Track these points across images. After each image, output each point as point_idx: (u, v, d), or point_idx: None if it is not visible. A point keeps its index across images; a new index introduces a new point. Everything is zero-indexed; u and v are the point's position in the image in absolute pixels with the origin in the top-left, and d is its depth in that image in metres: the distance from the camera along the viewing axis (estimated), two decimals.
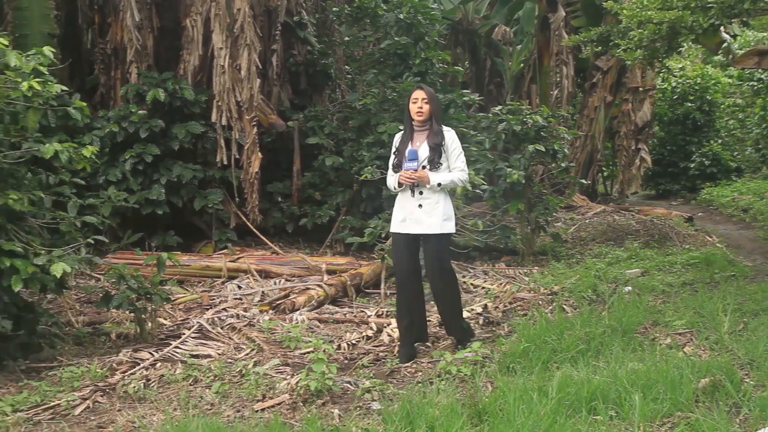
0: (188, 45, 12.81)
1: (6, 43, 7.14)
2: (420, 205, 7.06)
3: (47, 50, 7.27)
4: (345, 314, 9.08)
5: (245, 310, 9.15)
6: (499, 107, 12.88)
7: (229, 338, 8.00)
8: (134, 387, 6.39)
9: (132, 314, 8.09)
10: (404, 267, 7.21)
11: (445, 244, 7.23)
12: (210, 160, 12.76)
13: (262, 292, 10.00)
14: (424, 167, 7.05)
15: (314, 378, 5.96)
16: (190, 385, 6.52)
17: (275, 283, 10.47)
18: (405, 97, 12.88)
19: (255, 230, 12.73)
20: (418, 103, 7.14)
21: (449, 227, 7.15)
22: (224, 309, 9.18)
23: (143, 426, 5.52)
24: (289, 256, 11.89)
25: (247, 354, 7.44)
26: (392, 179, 7.23)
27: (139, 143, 12.14)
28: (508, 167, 11.76)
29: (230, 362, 7.09)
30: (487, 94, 22.34)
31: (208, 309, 9.25)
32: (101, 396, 6.30)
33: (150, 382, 6.60)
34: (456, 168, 7.15)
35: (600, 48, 14.11)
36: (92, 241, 7.81)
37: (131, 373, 6.81)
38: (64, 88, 7.52)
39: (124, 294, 7.74)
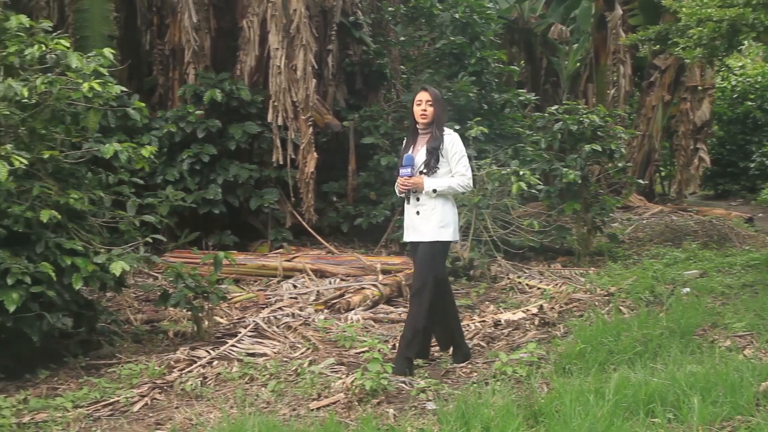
0: (245, 46, 12.90)
1: (67, 44, 7.26)
2: (417, 212, 6.86)
3: (107, 52, 7.37)
4: (400, 314, 9.08)
5: (300, 309, 9.19)
6: (556, 107, 12.79)
7: (285, 337, 8.04)
8: (191, 385, 6.46)
9: (189, 312, 8.17)
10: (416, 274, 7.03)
11: (436, 253, 6.82)
12: (266, 160, 12.84)
13: (318, 291, 10.04)
14: (422, 173, 6.79)
15: (369, 377, 5.97)
16: (246, 383, 6.56)
17: (330, 283, 10.51)
18: (461, 97, 13.03)
19: (310, 230, 12.78)
20: (422, 105, 6.88)
21: (445, 235, 6.81)
22: (280, 308, 9.23)
23: (200, 423, 5.57)
24: (344, 255, 11.92)
25: (302, 353, 7.48)
26: (396, 186, 7.05)
27: (196, 143, 12.26)
28: (564, 167, 11.67)
29: (286, 361, 7.13)
30: (543, 94, 22.22)
31: (263, 308, 9.31)
32: (159, 393, 6.37)
33: (207, 380, 6.66)
34: (457, 173, 6.84)
35: (658, 46, 13.96)
36: (150, 240, 7.91)
37: (188, 371, 6.88)
38: (124, 89, 7.63)
39: (182, 292, 7.82)
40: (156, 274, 10.40)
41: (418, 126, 6.96)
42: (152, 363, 7.04)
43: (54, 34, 7.62)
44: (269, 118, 12.36)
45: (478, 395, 5.66)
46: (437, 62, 14.10)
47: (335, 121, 13.81)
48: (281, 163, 12.58)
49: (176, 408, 6.00)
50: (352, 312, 9.01)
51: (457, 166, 6.84)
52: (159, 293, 8.09)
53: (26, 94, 6.88)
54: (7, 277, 6.37)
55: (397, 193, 7.05)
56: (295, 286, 10.44)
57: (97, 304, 7.96)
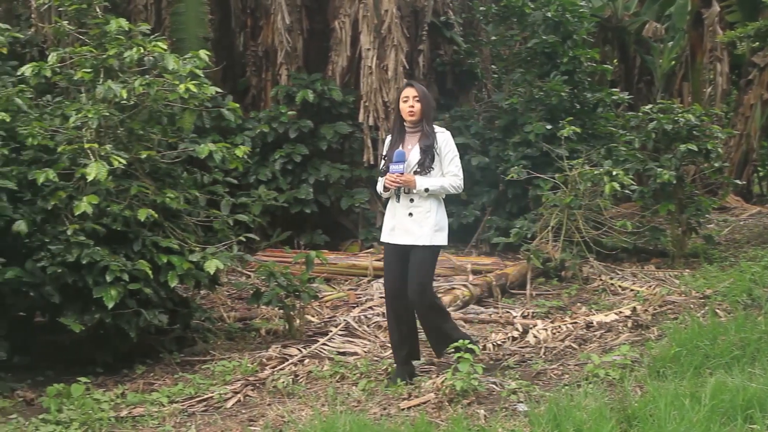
0: (336, 46, 12.99)
1: (164, 47, 7.41)
2: (410, 214, 6.45)
3: (203, 53, 7.51)
4: (490, 314, 9.03)
5: None
6: (650, 106, 12.55)
7: (375, 336, 8.07)
8: (283, 382, 6.53)
9: (281, 311, 8.26)
10: (392, 280, 6.58)
11: (431, 257, 6.52)
12: (357, 160, 12.90)
13: None
14: (416, 172, 6.42)
15: (460, 378, 5.95)
16: (337, 381, 6.60)
17: None
18: (553, 96, 12.91)
19: None
20: (409, 101, 6.48)
21: (440, 239, 6.51)
22: (370, 307, 9.26)
23: (292, 421, 5.63)
24: None
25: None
26: (380, 184, 6.65)
27: (288, 143, 12.39)
28: (658, 167, 11.46)
29: (376, 360, 7.16)
30: (637, 93, 21.83)
31: (354, 307, 9.35)
32: (252, 390, 6.45)
33: (298, 378, 6.73)
34: (449, 173, 6.51)
35: (757, 44, 13.64)
36: (243, 239, 8.03)
37: (280, 369, 6.95)
38: (219, 90, 7.75)
39: (274, 291, 7.90)
40: (249, 273, 10.53)
41: (405, 123, 6.57)
42: (245, 360, 7.13)
43: (152, 36, 7.79)
44: (360, 118, 12.43)
45: (570, 397, 5.59)
46: (529, 61, 13.98)
47: None
48: (372, 163, 12.63)
49: (268, 405, 6.07)
50: None
51: (449, 165, 6.51)
52: (251, 291, 8.20)
53: (125, 95, 7.06)
54: (106, 274, 6.54)
55: (381, 191, 6.64)
56: None
57: (191, 302, 8.11)
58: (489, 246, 12.76)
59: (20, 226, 6.49)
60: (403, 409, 5.82)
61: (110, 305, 6.49)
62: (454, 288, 9.78)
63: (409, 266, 6.47)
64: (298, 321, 8.25)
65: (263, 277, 8.19)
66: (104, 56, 7.34)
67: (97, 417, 5.76)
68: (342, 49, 12.93)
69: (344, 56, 12.94)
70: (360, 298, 9.85)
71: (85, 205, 6.48)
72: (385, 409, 5.88)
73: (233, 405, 6.19)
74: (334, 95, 12.54)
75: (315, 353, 7.42)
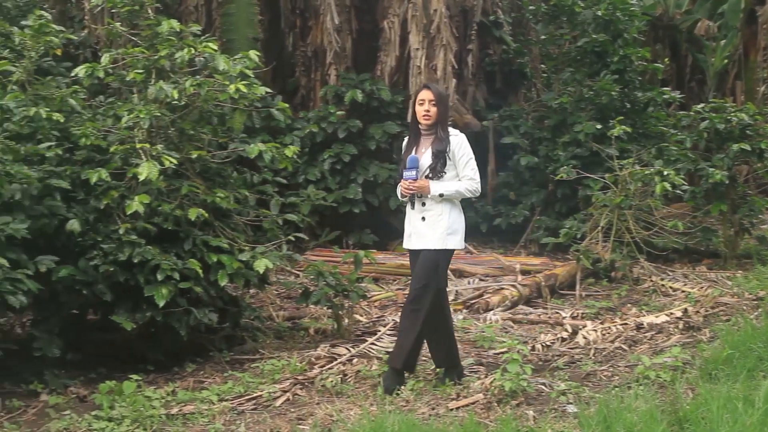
0: (385, 46, 12.99)
1: (215, 47, 7.46)
2: (423, 218, 6.34)
3: (253, 54, 7.55)
4: (539, 315, 9.00)
5: None
6: (702, 105, 12.42)
7: None
8: (332, 381, 6.55)
9: (330, 310, 8.28)
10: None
11: (440, 261, 6.33)
12: None
13: (456, 291, 10.02)
14: (428, 177, 6.31)
15: (509, 378, 5.94)
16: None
17: (469, 283, 10.48)
18: (603, 96, 12.81)
19: None
20: (425, 105, 6.35)
21: (453, 242, 6.34)
22: None
23: (341, 420, 5.64)
24: (483, 255, 11.88)
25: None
26: (398, 189, 6.56)
27: (337, 143, 12.43)
28: (710, 167, 11.33)
29: (424, 360, 7.14)
30: (688, 92, 21.55)
31: (402, 306, 9.35)
32: (300, 389, 6.48)
33: (347, 377, 6.74)
34: (465, 177, 6.37)
35: None
36: (293, 239, 8.06)
37: (329, 368, 6.97)
38: (268, 90, 7.79)
39: (323, 290, 7.93)
40: (297, 272, 10.57)
41: (420, 127, 6.46)
42: (294, 359, 7.17)
43: (202, 37, 7.85)
44: (409, 118, 12.41)
45: (621, 399, 5.55)
46: (578, 61, 13.90)
47: (475, 120, 13.76)
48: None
49: (317, 404, 6.09)
50: (491, 312, 8.97)
51: (464, 169, 6.37)
52: (300, 291, 8.23)
53: (176, 95, 7.12)
54: (157, 273, 6.60)
55: (399, 197, 6.58)
56: None
57: (241, 301, 8.16)
58: (538, 246, 12.71)
59: (73, 225, 6.58)
60: (451, 410, 5.82)
61: (161, 304, 6.56)
62: (503, 288, 9.76)
63: (421, 271, 6.32)
64: (346, 320, 8.27)
65: (312, 277, 8.22)
66: (156, 57, 7.41)
67: (148, 414, 5.82)
68: (391, 48, 12.93)
69: (393, 56, 12.93)
70: None
71: (136, 204, 6.55)
72: (433, 409, 5.88)
73: (282, 403, 6.22)
74: (383, 95, 12.55)
75: (363, 353, 7.44)
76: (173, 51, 7.38)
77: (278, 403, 6.23)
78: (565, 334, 8.00)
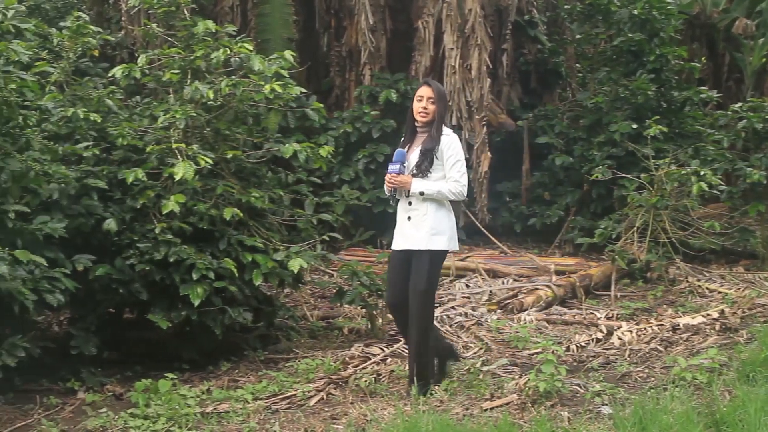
0: (420, 46, 13.00)
1: (250, 48, 7.50)
2: (409, 218, 6.18)
3: (288, 54, 7.59)
4: (574, 316, 8.96)
5: (473, 308, 9.19)
6: (739, 104, 12.31)
7: (458, 336, 8.06)
8: (366, 381, 6.54)
9: (363, 310, 8.29)
10: (392, 289, 6.36)
11: (431, 263, 6.14)
12: None
13: (490, 291, 10.01)
14: (414, 175, 6.14)
15: (543, 379, 5.91)
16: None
17: (503, 283, 10.46)
18: (639, 95, 12.72)
19: (483, 229, 12.75)
20: (423, 102, 6.17)
21: (437, 243, 6.12)
22: (452, 307, 9.25)
23: (375, 419, 5.64)
24: (518, 255, 11.84)
25: (475, 352, 7.47)
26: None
27: (371, 143, 12.44)
28: (748, 167, 11.23)
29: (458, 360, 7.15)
30: (726, 91, 21.34)
31: (436, 307, 9.32)
32: (334, 388, 6.49)
33: (380, 377, 6.74)
34: (450, 178, 6.14)
35: None
36: (327, 238, 8.09)
37: (363, 368, 6.98)
38: (303, 90, 7.82)
39: (357, 290, 7.94)
40: (332, 272, 10.59)
41: (416, 124, 6.28)
42: (328, 359, 7.17)
43: (238, 38, 7.89)
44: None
45: (656, 401, 5.51)
46: (614, 60, 13.82)
47: (509, 120, 13.74)
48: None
49: (351, 403, 6.10)
50: (525, 313, 8.93)
51: (451, 170, 6.14)
52: (334, 290, 8.26)
53: (212, 96, 7.16)
54: (192, 272, 6.64)
55: (386, 192, 6.39)
56: (467, 286, 10.43)
57: (275, 300, 8.19)
58: (573, 246, 12.65)
59: (110, 224, 6.64)
60: (485, 410, 5.80)
61: (196, 303, 6.59)
62: (537, 288, 9.73)
63: (411, 274, 6.16)
64: (380, 320, 8.28)
65: (346, 276, 8.24)
66: (192, 58, 7.46)
67: (183, 412, 5.85)
68: (425, 48, 12.94)
69: (427, 56, 12.94)
70: (442, 297, 9.83)
71: (172, 204, 6.60)
72: (467, 409, 5.87)
73: (316, 403, 6.24)
74: None
75: (397, 352, 7.44)
76: (209, 51, 7.42)
77: (312, 402, 6.24)
78: (599, 335, 7.97)
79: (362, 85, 12.96)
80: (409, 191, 6.13)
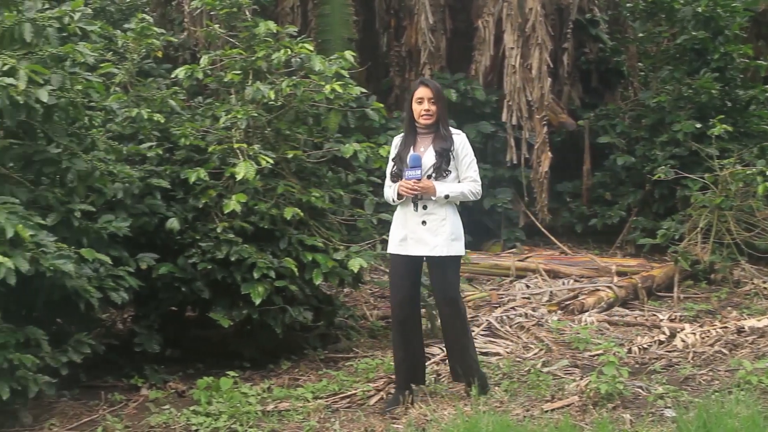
0: (480, 46, 12.96)
1: (311, 48, 7.54)
2: (423, 222, 5.91)
3: (348, 54, 7.61)
4: (636, 317, 8.86)
5: (533, 309, 9.14)
6: None
7: (518, 337, 8.02)
8: (426, 381, 6.53)
9: (423, 310, 8.26)
10: (401, 294, 6.07)
11: (453, 269, 6.04)
12: (500, 160, 12.84)
13: (551, 291, 9.94)
14: (429, 176, 5.92)
15: (605, 381, 5.86)
16: None
17: (564, 284, 10.38)
18: (702, 94, 12.54)
19: (544, 230, 12.68)
20: (424, 103, 5.95)
21: (458, 248, 5.99)
22: (512, 308, 9.21)
23: (435, 419, 5.64)
24: (578, 256, 11.76)
25: (535, 353, 7.43)
26: (390, 190, 6.08)
27: None
28: None
29: (519, 361, 7.12)
30: None
31: (496, 307, 9.31)
32: (394, 388, 6.47)
33: (440, 377, 6.73)
34: (467, 178, 6.00)
35: None
36: (387, 238, 8.07)
37: None
38: (363, 90, 7.84)
39: None
40: None
41: (417, 126, 6.05)
42: (387, 358, 7.18)
43: (298, 38, 7.94)
44: (503, 117, 12.37)
45: (721, 404, 5.44)
46: (677, 58, 13.63)
47: (570, 120, 13.63)
48: (515, 162, 12.56)
49: (411, 403, 6.09)
50: (586, 314, 8.85)
51: (467, 170, 6.00)
52: None
53: (273, 96, 7.22)
54: (253, 271, 6.69)
55: (392, 198, 6.08)
56: (527, 286, 10.38)
57: (335, 300, 8.22)
58: (634, 247, 12.49)
59: (173, 223, 6.72)
60: (546, 411, 5.76)
61: (257, 302, 6.65)
62: (598, 289, 9.64)
63: (431, 280, 6.13)
64: (439, 320, 8.25)
65: None
66: (253, 58, 7.53)
67: (244, 410, 5.90)
68: (485, 48, 12.90)
69: (487, 55, 12.89)
70: (502, 298, 9.80)
71: (234, 203, 6.66)
72: (528, 410, 5.84)
73: (376, 402, 6.25)
74: (477, 95, 12.51)
75: None
76: (270, 52, 7.48)
77: (372, 401, 6.26)
78: (662, 337, 7.87)
79: None
80: (433, 197, 5.90)
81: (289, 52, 7.45)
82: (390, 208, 6.53)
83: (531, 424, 5.46)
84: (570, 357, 7.25)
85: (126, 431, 5.74)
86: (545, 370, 6.76)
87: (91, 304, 5.85)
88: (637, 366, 6.99)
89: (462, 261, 8.13)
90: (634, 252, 12.46)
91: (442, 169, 5.93)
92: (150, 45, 7.79)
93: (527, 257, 11.41)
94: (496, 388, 6.31)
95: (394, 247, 6.06)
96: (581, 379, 6.40)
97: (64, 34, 6.18)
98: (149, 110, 7.18)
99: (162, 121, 7.17)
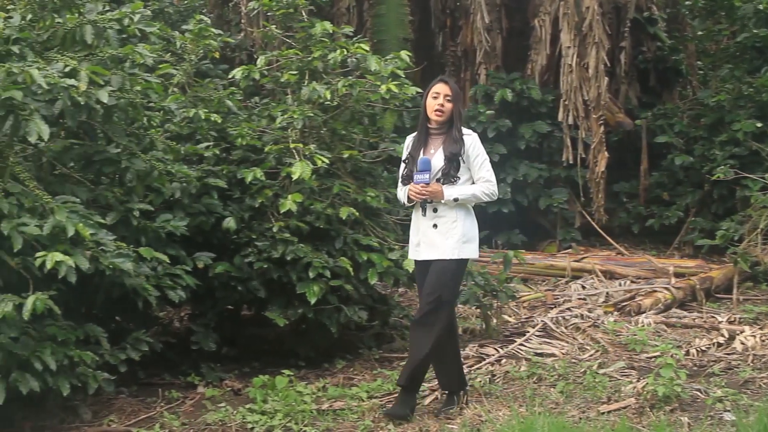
0: (536, 45, 12.90)
1: (366, 48, 7.55)
2: (435, 225, 5.75)
3: (404, 54, 7.61)
4: (694, 319, 8.75)
5: (589, 310, 9.07)
6: None
7: (573, 338, 7.96)
8: (480, 381, 6.53)
9: (478, 310, 8.26)
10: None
11: (457, 273, 5.81)
12: (555, 159, 12.78)
13: (607, 292, 9.86)
14: (438, 180, 5.74)
15: (662, 383, 5.79)
16: (535, 382, 6.55)
17: (620, 285, 10.29)
18: (763, 93, 12.35)
19: (600, 230, 12.58)
20: (440, 99, 5.79)
21: (468, 251, 5.79)
22: (568, 309, 9.15)
23: (490, 420, 5.62)
24: (635, 257, 11.65)
25: (591, 355, 7.37)
26: (402, 193, 5.98)
27: (486, 143, 12.26)
28: None
29: (574, 362, 7.06)
30: None
31: (551, 308, 9.26)
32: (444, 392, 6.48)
33: (495, 378, 6.72)
34: (480, 179, 5.82)
35: None
36: None
37: (477, 368, 6.97)
38: (419, 90, 7.82)
39: (471, 290, 7.92)
40: None
41: (429, 124, 5.88)
42: None
43: (354, 38, 7.96)
44: (560, 117, 12.29)
45: None
46: (737, 57, 13.46)
47: (627, 119, 13.50)
48: (571, 162, 12.47)
49: (466, 403, 6.08)
50: (643, 315, 8.76)
51: (480, 171, 5.81)
52: None
53: (329, 96, 7.24)
54: (309, 270, 6.73)
55: (404, 202, 6.02)
56: (583, 287, 10.31)
57: (390, 299, 8.22)
58: (693, 248, 12.35)
59: (229, 223, 6.78)
60: (602, 413, 5.72)
61: (313, 301, 6.68)
62: (655, 291, 9.54)
63: (428, 278, 5.78)
64: (495, 321, 8.24)
65: None
66: (309, 59, 7.57)
67: (299, 409, 5.93)
68: (541, 47, 12.84)
69: (543, 54, 12.84)
70: (558, 299, 9.75)
71: (290, 203, 6.70)
72: (583, 412, 5.80)
73: (430, 402, 6.25)
74: (533, 94, 12.46)
75: (512, 353, 7.40)
76: (326, 52, 7.51)
77: (426, 401, 6.25)
78: (721, 340, 7.75)
79: (477, 85, 12.94)
80: (442, 200, 5.73)
81: (345, 53, 7.48)
82: None
83: (587, 426, 5.42)
84: (626, 359, 7.18)
85: (183, 428, 5.80)
86: (601, 371, 6.71)
87: (149, 303, 5.92)
88: (695, 368, 6.90)
89: (516, 261, 8.18)
90: (692, 253, 12.31)
91: (450, 174, 5.76)
92: (207, 46, 7.87)
93: (583, 258, 11.33)
94: (552, 389, 6.27)
95: (411, 252, 5.98)
96: (638, 381, 6.34)
97: (124, 36, 6.27)
98: (206, 110, 7.26)
99: (219, 121, 7.24)
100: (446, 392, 6.11)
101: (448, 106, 5.80)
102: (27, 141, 5.36)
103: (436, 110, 5.80)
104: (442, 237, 5.73)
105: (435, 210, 5.77)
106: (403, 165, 6.01)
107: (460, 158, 5.77)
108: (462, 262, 5.82)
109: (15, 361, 5.07)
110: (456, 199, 5.71)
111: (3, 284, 5.05)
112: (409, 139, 6.03)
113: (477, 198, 5.82)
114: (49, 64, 5.55)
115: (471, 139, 5.83)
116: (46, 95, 5.36)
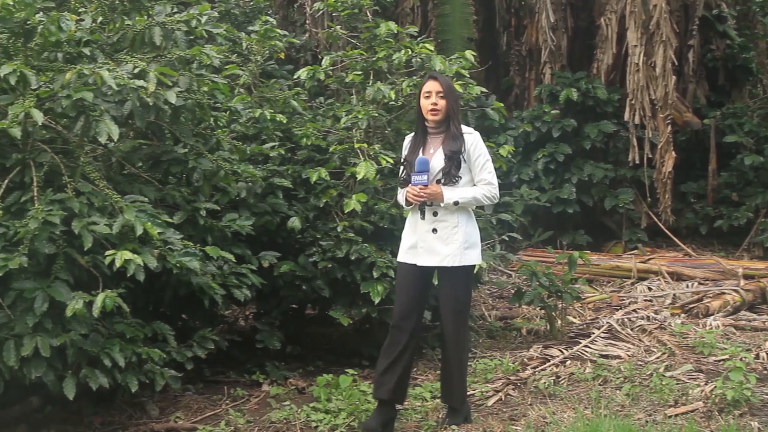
0: (602, 44, 12.77)
1: (431, 48, 7.56)
2: (434, 230, 5.45)
3: (468, 54, 7.61)
4: (764, 322, 8.60)
5: (656, 312, 8.96)
6: None
7: (639, 340, 7.87)
8: (544, 383, 6.49)
9: (542, 311, 8.22)
10: (404, 305, 5.58)
11: (464, 280, 5.56)
12: (621, 159, 12.66)
13: (674, 294, 9.73)
14: (438, 181, 5.46)
15: (731, 387, 5.70)
16: (600, 384, 6.49)
17: (687, 286, 10.15)
18: None
19: (667, 231, 12.42)
20: (432, 97, 5.50)
21: (472, 257, 5.51)
22: (634, 310, 9.05)
23: (554, 422, 5.59)
24: (703, 258, 11.48)
25: (657, 357, 7.28)
26: (401, 196, 5.69)
27: (551, 143, 12.32)
28: None
29: (640, 364, 6.98)
30: None
31: (617, 309, 9.18)
32: (513, 389, 6.46)
33: (560, 379, 6.67)
34: (481, 181, 5.51)
35: None
36: (506, 238, 8.06)
37: (541, 369, 6.92)
38: (483, 89, 7.82)
39: (536, 291, 7.88)
40: (510, 272, 10.55)
41: (426, 123, 5.60)
42: (506, 359, 7.15)
43: (419, 38, 7.97)
44: (626, 116, 12.15)
45: None
46: None
47: (695, 119, 13.31)
48: (637, 162, 12.32)
49: (530, 405, 6.05)
50: (711, 317, 8.64)
51: (481, 172, 5.51)
52: (513, 291, 8.21)
53: (393, 96, 7.26)
54: (373, 270, 6.74)
55: (403, 205, 5.69)
56: (649, 289, 10.19)
57: None
58: (763, 250, 12.15)
59: (294, 222, 6.82)
60: (669, 417, 5.64)
61: (376, 300, 6.69)
62: (724, 293, 9.40)
63: (440, 292, 5.61)
64: (559, 322, 8.19)
65: (525, 277, 8.19)
66: (374, 59, 7.59)
67: (363, 408, 5.94)
68: (607, 46, 12.71)
69: (609, 53, 12.70)
70: (623, 300, 9.65)
71: (354, 202, 6.72)
72: (650, 415, 5.72)
73: (494, 403, 6.22)
74: (599, 93, 12.34)
75: (577, 355, 7.34)
76: (390, 52, 7.53)
77: (490, 402, 6.23)
78: None
79: (542, 84, 12.85)
80: (441, 203, 5.45)
81: (410, 53, 7.48)
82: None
83: (654, 429, 5.36)
84: (694, 361, 7.08)
85: (248, 426, 5.85)
86: (668, 374, 6.62)
87: (215, 301, 5.97)
88: (765, 372, 6.78)
89: (581, 262, 8.12)
90: (762, 255, 12.12)
91: (451, 174, 5.46)
92: (273, 47, 7.93)
93: (649, 259, 11.20)
94: (617, 391, 6.21)
95: (402, 254, 5.63)
96: (706, 384, 6.24)
97: (192, 37, 6.34)
98: (272, 111, 7.32)
99: (284, 121, 7.29)
100: (447, 406, 5.83)
101: (442, 102, 5.52)
102: (97, 141, 5.44)
103: (430, 110, 5.53)
104: (442, 243, 5.46)
105: (435, 213, 5.49)
106: (401, 167, 5.80)
107: (461, 156, 5.49)
108: (469, 269, 5.59)
109: (85, 358, 5.16)
110: (456, 203, 5.43)
111: (74, 282, 5.13)
112: (407, 140, 5.80)
113: (478, 201, 5.54)
114: (119, 65, 5.63)
115: (472, 138, 5.56)
116: (115, 96, 5.44)
